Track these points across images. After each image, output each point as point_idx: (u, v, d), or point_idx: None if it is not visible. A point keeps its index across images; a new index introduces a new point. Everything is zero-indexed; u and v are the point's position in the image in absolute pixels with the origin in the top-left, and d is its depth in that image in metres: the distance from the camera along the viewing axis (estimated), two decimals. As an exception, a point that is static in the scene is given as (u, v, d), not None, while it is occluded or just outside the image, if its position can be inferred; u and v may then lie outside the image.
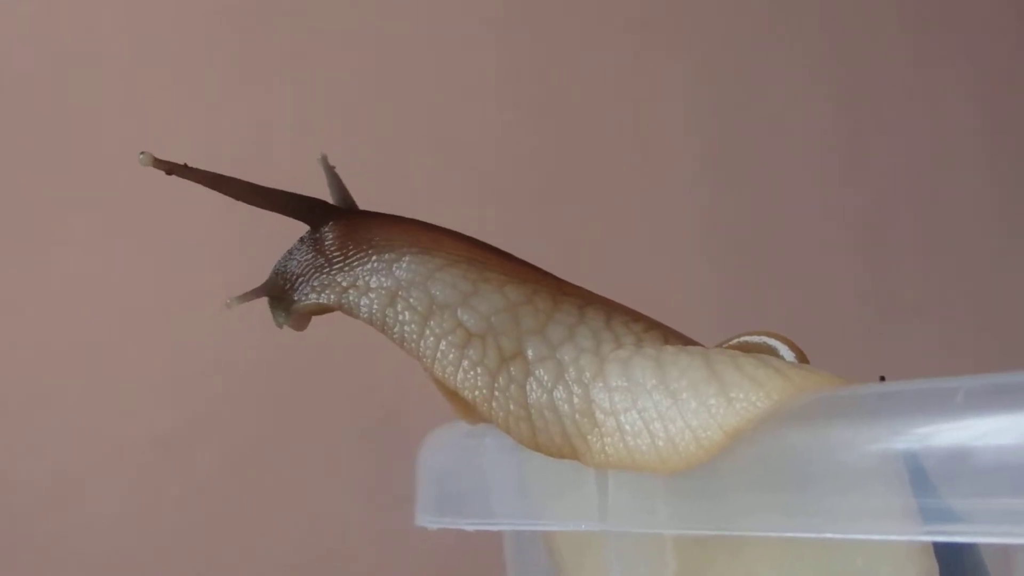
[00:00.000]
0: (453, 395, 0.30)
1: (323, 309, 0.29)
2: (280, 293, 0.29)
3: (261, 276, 0.30)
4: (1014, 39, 0.87)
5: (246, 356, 0.60)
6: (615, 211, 0.72)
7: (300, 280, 0.29)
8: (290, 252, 0.29)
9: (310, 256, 0.29)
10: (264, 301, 0.30)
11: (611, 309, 0.28)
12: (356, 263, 0.28)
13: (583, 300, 0.28)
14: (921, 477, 0.20)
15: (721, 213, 0.75)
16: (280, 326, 0.29)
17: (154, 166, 0.27)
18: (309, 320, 0.29)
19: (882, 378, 0.25)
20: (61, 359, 0.58)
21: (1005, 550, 0.26)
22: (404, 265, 0.28)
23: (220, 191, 0.28)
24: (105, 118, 0.61)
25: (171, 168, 0.27)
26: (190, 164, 0.28)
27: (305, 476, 0.61)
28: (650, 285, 0.69)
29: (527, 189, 0.70)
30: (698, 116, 0.75)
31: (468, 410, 0.30)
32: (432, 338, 0.27)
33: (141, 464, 0.58)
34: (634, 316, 0.28)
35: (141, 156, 0.27)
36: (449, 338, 0.27)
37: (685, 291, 0.72)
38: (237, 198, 0.28)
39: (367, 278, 0.28)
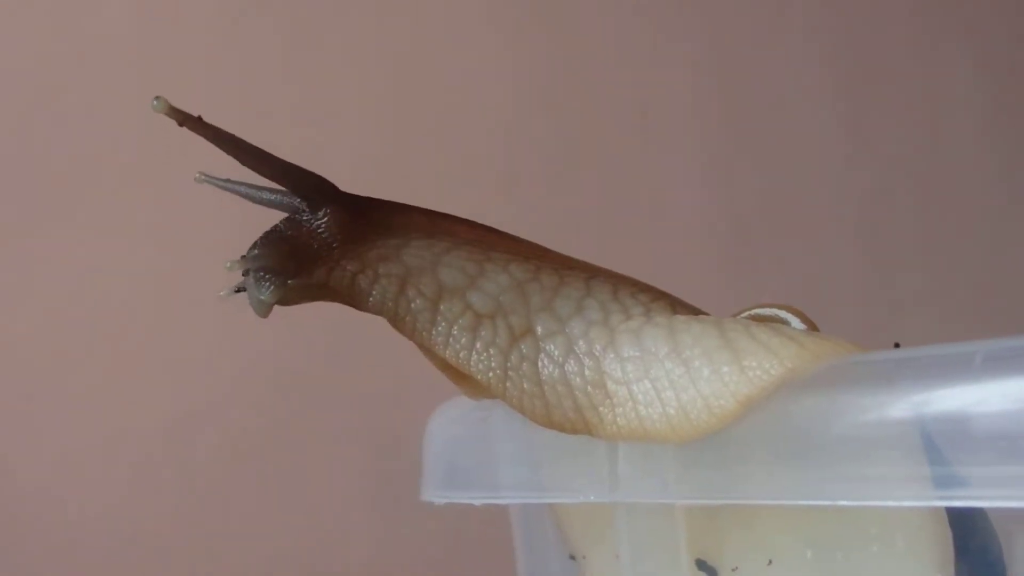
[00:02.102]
0: (462, 378, 0.30)
1: (316, 290, 0.28)
2: (277, 267, 0.27)
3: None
4: (1017, 23, 0.87)
5: (246, 345, 0.60)
6: (616, 197, 0.72)
7: (301, 259, 0.27)
8: (285, 228, 0.27)
9: (311, 236, 0.27)
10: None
11: (617, 281, 0.28)
12: (363, 249, 0.27)
13: (588, 273, 0.28)
14: (936, 444, 0.20)
15: (723, 201, 0.75)
16: (258, 306, 0.27)
17: (167, 114, 0.26)
18: (271, 309, 0.27)
19: (897, 344, 0.25)
20: (62, 348, 0.58)
21: (1007, 527, 0.26)
22: (410, 251, 0.27)
23: (228, 152, 0.27)
24: (107, 108, 0.61)
25: (184, 119, 0.26)
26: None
27: (306, 464, 0.61)
28: (652, 269, 0.69)
29: (532, 173, 0.70)
30: (701, 104, 0.75)
31: (477, 392, 0.30)
32: (444, 324, 0.27)
33: (142, 453, 0.58)
34: (641, 287, 0.28)
35: (155, 102, 0.26)
36: (460, 322, 0.27)
37: (686, 280, 0.71)
38: (243, 162, 0.27)
39: (375, 265, 0.27)
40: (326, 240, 0.27)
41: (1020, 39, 0.86)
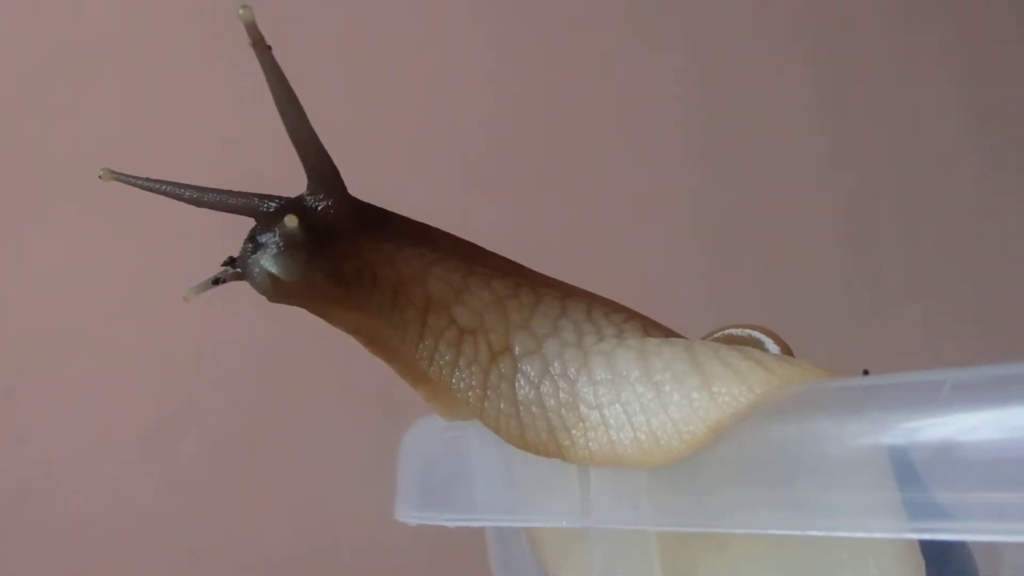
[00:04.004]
0: (435, 395, 0.29)
1: (324, 278, 0.26)
2: (302, 241, 0.26)
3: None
4: (999, 23, 0.87)
5: (233, 344, 0.60)
6: (601, 200, 0.72)
7: (321, 238, 0.26)
8: (293, 208, 0.26)
9: (320, 221, 0.26)
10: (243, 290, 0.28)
11: (591, 301, 0.28)
12: (364, 248, 0.27)
13: (563, 292, 0.28)
14: (906, 472, 0.20)
15: (707, 201, 0.75)
16: (264, 280, 0.26)
17: (248, 26, 0.25)
18: (279, 291, 0.26)
19: (865, 372, 0.25)
20: (45, 347, 0.58)
21: (993, 545, 0.26)
22: (403, 258, 0.27)
23: (274, 92, 0.26)
24: (89, 103, 0.60)
25: (258, 40, 0.26)
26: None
27: (292, 464, 0.61)
28: (637, 273, 0.69)
29: (515, 176, 0.69)
30: (685, 105, 0.75)
31: (450, 410, 0.30)
32: (431, 338, 0.26)
33: (127, 453, 0.58)
34: (613, 307, 0.27)
35: (242, 11, 0.25)
36: (446, 335, 0.26)
37: (672, 280, 0.71)
38: (282, 111, 0.26)
39: (374, 267, 0.27)
40: (331, 228, 0.27)
41: (1002, 39, 0.86)
